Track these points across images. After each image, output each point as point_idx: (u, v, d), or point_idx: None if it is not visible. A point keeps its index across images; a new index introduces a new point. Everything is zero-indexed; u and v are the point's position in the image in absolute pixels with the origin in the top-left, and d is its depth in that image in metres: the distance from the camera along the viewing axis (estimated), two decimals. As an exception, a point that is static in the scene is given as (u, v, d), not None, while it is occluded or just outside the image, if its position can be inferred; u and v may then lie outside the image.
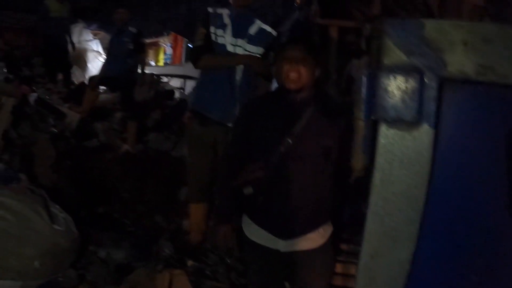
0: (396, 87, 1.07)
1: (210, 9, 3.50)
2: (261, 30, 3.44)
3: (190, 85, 8.26)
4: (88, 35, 9.50)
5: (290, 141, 2.32)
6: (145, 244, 3.79)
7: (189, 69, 8.19)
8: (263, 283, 2.68)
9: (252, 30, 3.43)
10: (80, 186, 4.34)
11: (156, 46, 13.27)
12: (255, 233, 2.51)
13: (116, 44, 5.91)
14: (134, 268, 3.34)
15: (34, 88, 5.17)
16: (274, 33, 3.47)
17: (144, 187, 4.72)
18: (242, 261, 3.50)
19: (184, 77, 8.72)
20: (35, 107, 4.42)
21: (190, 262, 3.58)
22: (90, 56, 9.35)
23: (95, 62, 9.26)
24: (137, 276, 3.17)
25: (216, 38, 3.44)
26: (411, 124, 1.08)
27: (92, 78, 6.60)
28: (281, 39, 3.59)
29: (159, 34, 9.69)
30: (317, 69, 2.37)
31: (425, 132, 1.08)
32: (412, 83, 1.06)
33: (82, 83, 7.42)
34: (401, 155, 1.10)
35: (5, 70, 3.22)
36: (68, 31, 7.55)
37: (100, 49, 9.58)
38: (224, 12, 3.46)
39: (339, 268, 3.01)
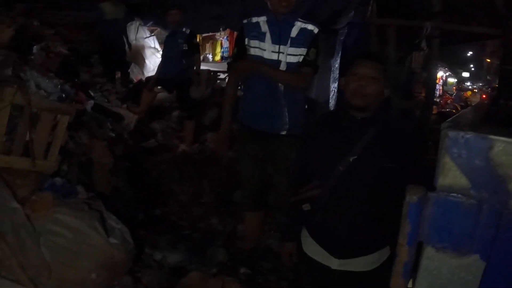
0: (449, 209, 0.97)
1: (245, 20, 3.41)
2: (302, 30, 3.31)
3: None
4: (144, 32, 9.65)
5: (350, 160, 2.27)
6: (199, 248, 3.85)
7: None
8: None
9: (294, 33, 3.30)
10: (137, 188, 4.44)
11: (213, 39, 13.33)
12: (310, 247, 2.51)
13: (171, 45, 5.97)
14: (188, 271, 3.39)
15: (91, 93, 5.29)
16: (316, 29, 3.32)
17: (200, 189, 4.79)
18: (294, 270, 3.48)
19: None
20: (92, 113, 4.53)
21: (242, 269, 3.61)
22: (148, 52, 9.53)
23: (153, 59, 9.45)
24: (190, 280, 3.21)
25: (249, 50, 3.36)
26: (461, 252, 0.99)
27: (148, 79, 6.73)
28: (339, 37, 3.49)
29: (214, 29, 9.71)
30: (385, 88, 2.31)
31: (475, 263, 0.99)
32: (468, 210, 0.96)
33: (140, 81, 7.58)
34: (446, 282, 1.02)
35: (59, 87, 3.31)
36: (124, 32, 7.70)
37: (157, 46, 9.75)
38: (261, 19, 3.34)
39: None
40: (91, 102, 4.62)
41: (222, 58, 13.66)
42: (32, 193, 2.81)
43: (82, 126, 4.16)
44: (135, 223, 3.68)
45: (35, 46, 5.12)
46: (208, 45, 15.53)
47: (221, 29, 10.30)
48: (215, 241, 3.97)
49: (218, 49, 14.16)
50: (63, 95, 3.46)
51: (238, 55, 3.41)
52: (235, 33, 12.51)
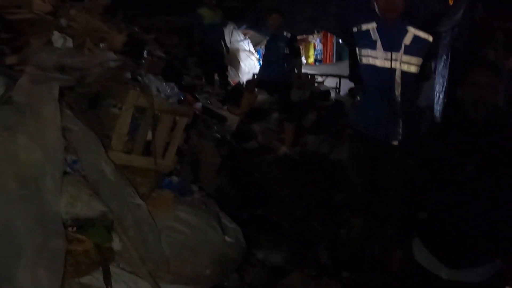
0: None
1: (354, 29, 3.36)
2: (416, 38, 3.23)
3: (344, 84, 8.18)
4: (239, 35, 9.86)
5: (469, 170, 2.25)
6: (301, 249, 3.89)
7: (343, 68, 8.17)
8: None
9: (407, 40, 3.22)
10: (240, 188, 4.56)
11: (306, 42, 13.33)
12: (421, 254, 2.50)
13: (272, 49, 6.08)
14: (289, 272, 3.45)
15: (196, 95, 5.49)
16: (430, 38, 3.26)
17: (302, 191, 4.82)
18: (398, 279, 3.42)
19: (338, 76, 8.66)
20: (200, 115, 4.71)
21: (345, 274, 3.61)
22: (243, 55, 9.75)
23: (248, 62, 9.64)
24: (291, 281, 3.30)
25: (361, 59, 3.33)
26: None
27: (249, 82, 6.89)
28: (443, 40, 3.41)
29: (309, 31, 9.73)
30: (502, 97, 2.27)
31: None
32: None
33: (238, 84, 7.76)
34: None
35: (176, 90, 3.47)
36: (222, 36, 7.92)
37: (252, 49, 9.92)
38: (371, 26, 3.28)
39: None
40: (199, 104, 4.80)
41: (316, 60, 13.61)
42: (151, 191, 2.98)
43: (192, 127, 4.33)
44: (239, 223, 3.78)
45: (144, 51, 5.38)
46: (301, 48, 15.53)
47: (315, 31, 10.31)
48: (317, 244, 3.99)
49: (312, 52, 14.10)
50: (182, 98, 3.64)
51: (351, 66, 3.42)
52: (329, 35, 12.42)
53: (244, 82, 7.86)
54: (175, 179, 3.21)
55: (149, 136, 3.11)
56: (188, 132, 4.21)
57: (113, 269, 2.68)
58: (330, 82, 8.91)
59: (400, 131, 3.34)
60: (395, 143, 3.36)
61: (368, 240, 3.95)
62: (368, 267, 3.76)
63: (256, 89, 6.45)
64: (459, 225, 2.30)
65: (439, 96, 6.19)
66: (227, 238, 2.93)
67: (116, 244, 2.68)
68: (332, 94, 7.92)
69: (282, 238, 4.06)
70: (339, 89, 8.53)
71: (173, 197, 2.92)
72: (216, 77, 7.89)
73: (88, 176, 2.71)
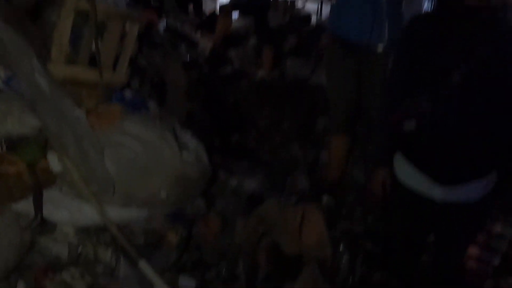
0: None
1: None
2: None
3: (326, 9, 7.76)
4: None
5: (467, 68, 1.94)
6: (279, 175, 3.68)
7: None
8: (405, 232, 2.54)
9: None
10: (214, 114, 4.30)
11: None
12: (409, 175, 2.25)
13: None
14: (266, 199, 3.19)
15: (163, 15, 5.10)
16: None
17: (280, 116, 4.56)
18: (382, 205, 3.15)
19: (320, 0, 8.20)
20: (165, 35, 4.35)
21: (325, 199, 3.38)
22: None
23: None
24: (267, 208, 2.97)
25: None
26: None
27: (224, 6, 6.51)
28: None
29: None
30: None
31: None
32: None
33: (214, 13, 7.33)
34: None
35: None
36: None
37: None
38: None
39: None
40: (164, 22, 4.42)
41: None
42: (98, 105, 2.61)
43: (156, 46, 3.98)
44: (211, 148, 3.50)
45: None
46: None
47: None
48: (296, 169, 3.78)
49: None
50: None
51: None
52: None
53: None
54: (128, 93, 2.84)
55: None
56: (151, 51, 3.89)
57: (53, 194, 2.34)
58: (311, 7, 8.48)
59: (386, 36, 3.06)
60: (380, 49, 3.09)
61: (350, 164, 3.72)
62: (351, 193, 3.54)
63: (231, 14, 6.07)
64: (456, 134, 2.03)
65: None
66: (185, 155, 2.56)
67: (55, 165, 2.32)
68: (313, 19, 7.50)
69: (258, 164, 3.84)
70: (320, 13, 8.10)
71: (122, 109, 2.53)
72: (191, 7, 7.43)
73: (24, 92, 2.35)
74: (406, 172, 2.27)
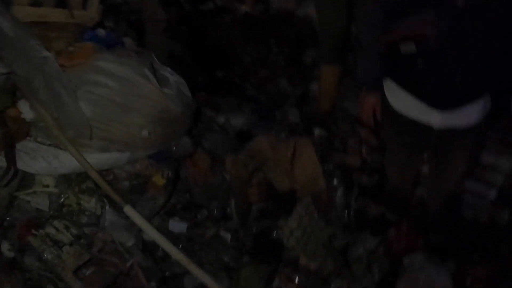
0: None
1: None
2: None
3: None
4: None
5: None
6: (267, 110, 3.58)
7: None
8: (401, 162, 2.51)
9: None
10: (197, 51, 4.12)
11: None
12: (404, 103, 2.19)
13: None
14: (255, 135, 3.09)
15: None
16: None
17: (266, 50, 4.36)
18: (376, 133, 3.14)
19: None
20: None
21: (317, 131, 3.29)
22: None
23: None
24: (257, 144, 2.89)
25: None
26: None
27: None
28: None
29: None
30: None
31: None
32: None
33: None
34: None
35: None
36: None
37: None
38: None
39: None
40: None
41: None
42: (69, 46, 2.44)
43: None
44: (196, 87, 3.36)
45: None
46: None
47: None
48: (285, 103, 3.65)
49: None
50: None
51: None
52: None
53: None
54: (101, 31, 2.65)
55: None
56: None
57: (28, 144, 2.24)
58: None
59: None
60: None
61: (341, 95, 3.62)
62: (344, 124, 3.46)
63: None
64: (455, 59, 1.96)
65: None
66: (166, 90, 2.41)
67: (27, 113, 2.20)
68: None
69: (246, 99, 3.71)
70: None
71: (94, 47, 2.36)
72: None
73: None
74: (400, 98, 2.19)
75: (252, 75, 4.06)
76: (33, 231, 2.14)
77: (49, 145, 2.21)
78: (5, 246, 2.13)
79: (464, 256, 2.58)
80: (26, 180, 2.28)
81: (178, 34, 4.13)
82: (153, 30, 3.65)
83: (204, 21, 4.65)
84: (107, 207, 2.35)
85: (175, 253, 2.21)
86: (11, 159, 2.11)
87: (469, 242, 2.67)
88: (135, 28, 3.53)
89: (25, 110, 2.19)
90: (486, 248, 2.63)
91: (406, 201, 2.80)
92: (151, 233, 2.21)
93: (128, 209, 2.17)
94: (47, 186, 2.30)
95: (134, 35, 3.40)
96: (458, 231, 2.71)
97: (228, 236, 2.57)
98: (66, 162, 2.22)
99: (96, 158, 2.28)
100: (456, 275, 2.47)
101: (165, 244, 2.20)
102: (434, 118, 2.12)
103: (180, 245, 2.41)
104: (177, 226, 2.55)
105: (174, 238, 2.40)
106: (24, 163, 2.19)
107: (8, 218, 2.22)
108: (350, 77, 3.63)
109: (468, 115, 2.13)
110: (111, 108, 2.25)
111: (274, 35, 4.50)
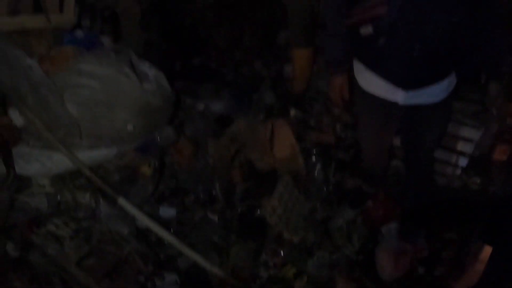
0: None
1: None
2: None
3: None
4: None
5: None
6: (245, 94, 3.64)
7: None
8: (373, 137, 2.56)
9: None
10: (172, 38, 4.15)
11: None
12: (371, 82, 2.25)
13: None
14: (234, 119, 3.21)
15: None
16: None
17: (240, 33, 4.39)
18: (349, 111, 3.27)
19: None
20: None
21: (293, 112, 3.41)
22: None
23: None
24: (237, 127, 3.03)
25: None
26: None
27: None
28: None
29: None
30: None
31: None
32: None
33: None
34: None
35: None
36: None
37: None
38: None
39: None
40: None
41: None
42: (50, 50, 2.55)
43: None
44: (173, 75, 3.45)
45: None
46: None
47: None
48: (261, 85, 3.72)
49: None
50: None
51: None
52: None
53: None
54: (79, 33, 2.76)
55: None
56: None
57: (22, 149, 2.37)
58: None
59: None
60: None
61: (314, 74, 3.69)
62: (318, 104, 3.58)
63: None
64: (413, 37, 2.00)
65: None
66: (146, 85, 2.54)
67: (17, 119, 2.32)
68: None
69: (223, 84, 3.75)
70: None
71: (75, 50, 2.48)
72: None
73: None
74: (367, 78, 2.27)
75: (228, 59, 4.12)
76: (35, 230, 2.28)
77: (42, 147, 2.34)
78: (10, 246, 2.25)
79: (438, 222, 2.68)
80: (23, 182, 2.41)
81: (153, 23, 4.14)
82: (128, 23, 3.72)
83: (177, 7, 4.71)
84: (101, 200, 2.49)
85: (168, 237, 2.38)
86: (10, 164, 2.24)
87: (443, 209, 2.73)
88: (110, 22, 3.60)
89: (15, 117, 2.30)
90: (459, 213, 2.70)
91: (381, 173, 2.87)
92: (144, 221, 2.38)
93: (121, 201, 2.33)
94: (44, 186, 2.44)
95: (110, 30, 3.49)
96: (432, 198, 2.75)
97: (215, 218, 2.70)
98: (59, 162, 2.35)
99: (87, 156, 2.42)
100: (430, 239, 2.60)
101: (157, 229, 2.37)
102: (399, 96, 2.18)
103: (172, 229, 2.55)
104: (167, 211, 2.68)
105: (165, 223, 2.53)
106: (20, 167, 2.32)
107: (10, 220, 2.34)
108: (322, 56, 3.73)
109: (432, 94, 2.18)
110: (96, 107, 2.38)
111: (247, 17, 4.55)
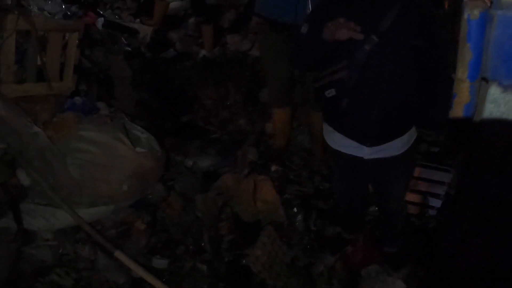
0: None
1: None
2: None
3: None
4: None
5: (376, 38, 2.09)
6: (230, 150, 3.84)
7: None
8: (347, 189, 2.73)
9: None
10: (162, 98, 4.39)
11: None
12: (338, 142, 2.43)
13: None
14: (220, 174, 3.40)
15: (100, 11, 5.13)
16: None
17: (225, 92, 4.68)
18: (326, 165, 3.47)
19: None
20: (104, 31, 4.42)
21: (274, 167, 3.59)
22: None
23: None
24: (223, 183, 3.23)
25: None
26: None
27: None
28: None
29: None
30: None
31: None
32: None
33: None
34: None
35: (63, 6, 3.20)
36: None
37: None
38: None
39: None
40: (101, 19, 4.49)
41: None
42: (53, 116, 2.81)
43: (96, 45, 4.07)
44: (163, 133, 3.69)
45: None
46: None
47: None
48: (245, 142, 3.93)
49: None
50: (68, 13, 3.36)
51: None
52: None
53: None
54: (78, 99, 3.03)
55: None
56: (92, 50, 3.99)
57: (28, 206, 2.60)
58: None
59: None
60: None
61: (294, 130, 3.94)
62: (297, 158, 3.80)
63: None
64: (373, 98, 2.18)
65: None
66: (139, 149, 2.81)
67: (24, 180, 2.56)
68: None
69: (210, 141, 4.02)
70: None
71: (75, 117, 2.75)
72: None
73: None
74: (334, 138, 2.44)
75: (214, 117, 4.36)
76: (40, 279, 2.48)
77: (46, 205, 2.57)
78: (16, 295, 2.45)
79: (415, 262, 2.79)
80: (30, 236, 2.62)
81: (143, 83, 4.39)
82: (120, 84, 4.00)
83: (166, 68, 4.98)
84: (99, 252, 2.69)
85: (160, 286, 2.55)
86: (19, 220, 2.46)
87: (419, 249, 2.84)
88: (105, 84, 3.85)
89: (23, 178, 2.55)
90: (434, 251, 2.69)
91: (358, 220, 2.99)
92: (139, 271, 2.57)
93: (118, 253, 2.54)
94: (48, 239, 2.66)
95: (105, 93, 3.75)
96: (409, 240, 2.86)
97: (204, 267, 2.85)
98: (62, 218, 2.59)
99: (86, 212, 2.66)
100: (407, 279, 2.70)
101: (151, 279, 2.56)
102: (364, 152, 2.36)
103: (164, 279, 2.70)
104: (159, 262, 2.86)
105: (158, 273, 2.70)
106: (27, 222, 2.55)
107: (16, 270, 2.53)
108: (301, 112, 3.98)
109: (395, 147, 2.36)
110: (95, 169, 2.64)
111: (231, 77, 4.83)
